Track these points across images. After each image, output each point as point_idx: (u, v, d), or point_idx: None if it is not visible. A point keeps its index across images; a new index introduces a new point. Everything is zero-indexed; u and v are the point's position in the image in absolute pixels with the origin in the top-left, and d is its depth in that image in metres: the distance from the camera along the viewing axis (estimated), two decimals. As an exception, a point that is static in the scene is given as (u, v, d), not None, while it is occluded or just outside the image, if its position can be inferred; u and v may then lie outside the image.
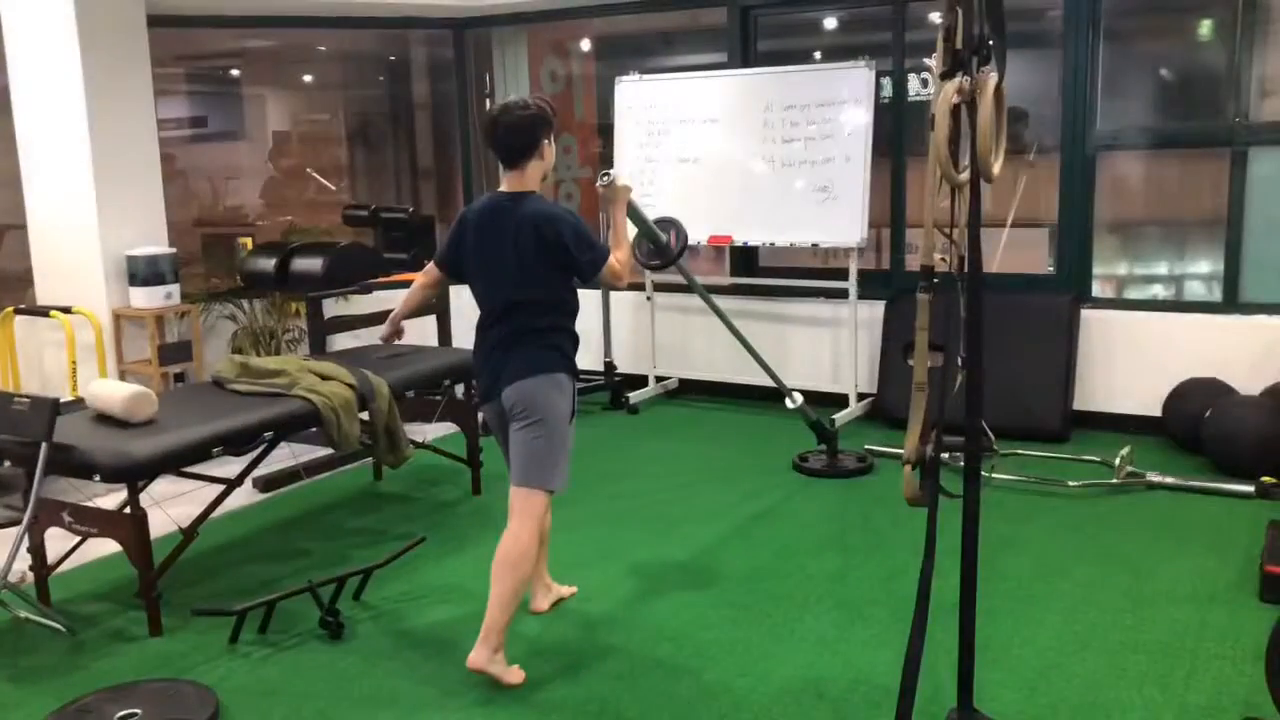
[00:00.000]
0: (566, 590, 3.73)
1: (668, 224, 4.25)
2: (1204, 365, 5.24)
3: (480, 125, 3.15)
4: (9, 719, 3.04)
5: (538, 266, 3.13)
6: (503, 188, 3.22)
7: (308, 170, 7.95)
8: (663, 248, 4.19)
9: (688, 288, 6.63)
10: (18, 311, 5.82)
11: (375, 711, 3.03)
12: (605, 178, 3.37)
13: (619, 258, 3.19)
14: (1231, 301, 5.34)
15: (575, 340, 3.27)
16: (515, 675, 3.14)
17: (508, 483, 3.23)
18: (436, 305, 6.01)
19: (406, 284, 6.11)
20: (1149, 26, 5.78)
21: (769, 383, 5.79)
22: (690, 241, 6.29)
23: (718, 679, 3.14)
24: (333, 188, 7.91)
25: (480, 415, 4.99)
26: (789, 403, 5.06)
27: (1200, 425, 4.94)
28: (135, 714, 2.97)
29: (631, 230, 3.66)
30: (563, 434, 3.20)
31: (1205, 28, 5.58)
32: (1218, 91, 5.46)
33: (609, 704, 3.02)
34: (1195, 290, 5.76)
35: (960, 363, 2.54)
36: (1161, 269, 5.98)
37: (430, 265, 3.44)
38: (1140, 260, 6.01)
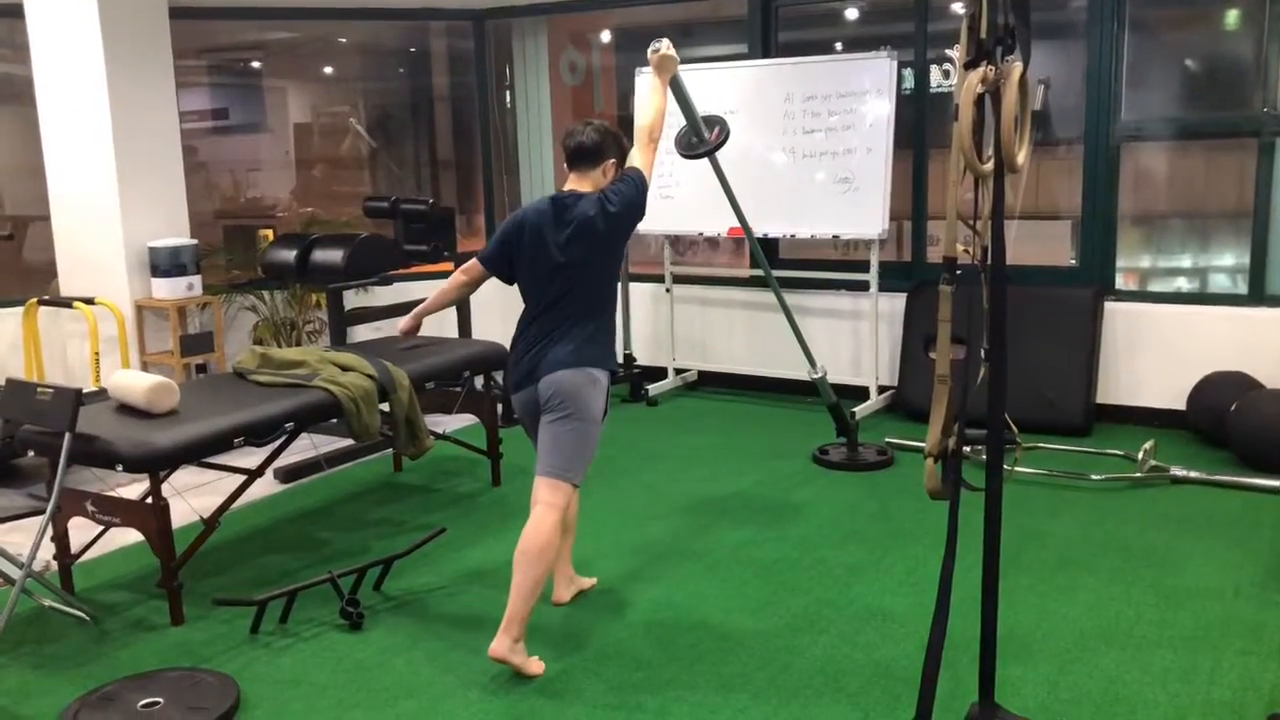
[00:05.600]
0: (588, 582, 3.74)
1: (714, 120, 4.42)
2: (1229, 358, 5.19)
3: (563, 132, 3.35)
4: (33, 706, 3.07)
5: (591, 262, 3.21)
6: (566, 187, 3.32)
7: (351, 121, 7.98)
8: (704, 137, 4.36)
9: (706, 279, 6.66)
10: (41, 303, 5.86)
11: (395, 701, 3.04)
12: (657, 44, 3.59)
13: (641, 145, 3.36)
14: (1257, 294, 5.28)
15: (613, 338, 3.36)
16: (535, 666, 3.14)
17: (528, 474, 3.24)
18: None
19: (426, 275, 6.17)
20: (1174, 16, 5.72)
21: (789, 375, 5.78)
22: (710, 233, 6.32)
23: (738, 671, 3.14)
24: (372, 143, 7.94)
25: (500, 407, 5.03)
26: (810, 374, 5.03)
27: (1225, 419, 4.90)
28: (157, 702, 2.98)
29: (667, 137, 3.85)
30: (593, 429, 3.25)
31: (1232, 17, 5.52)
32: (1244, 81, 5.40)
33: (628, 695, 3.02)
34: (1221, 282, 5.71)
35: (983, 355, 2.52)
36: (1186, 261, 5.92)
37: (472, 263, 3.43)
38: (1165, 252, 5.96)
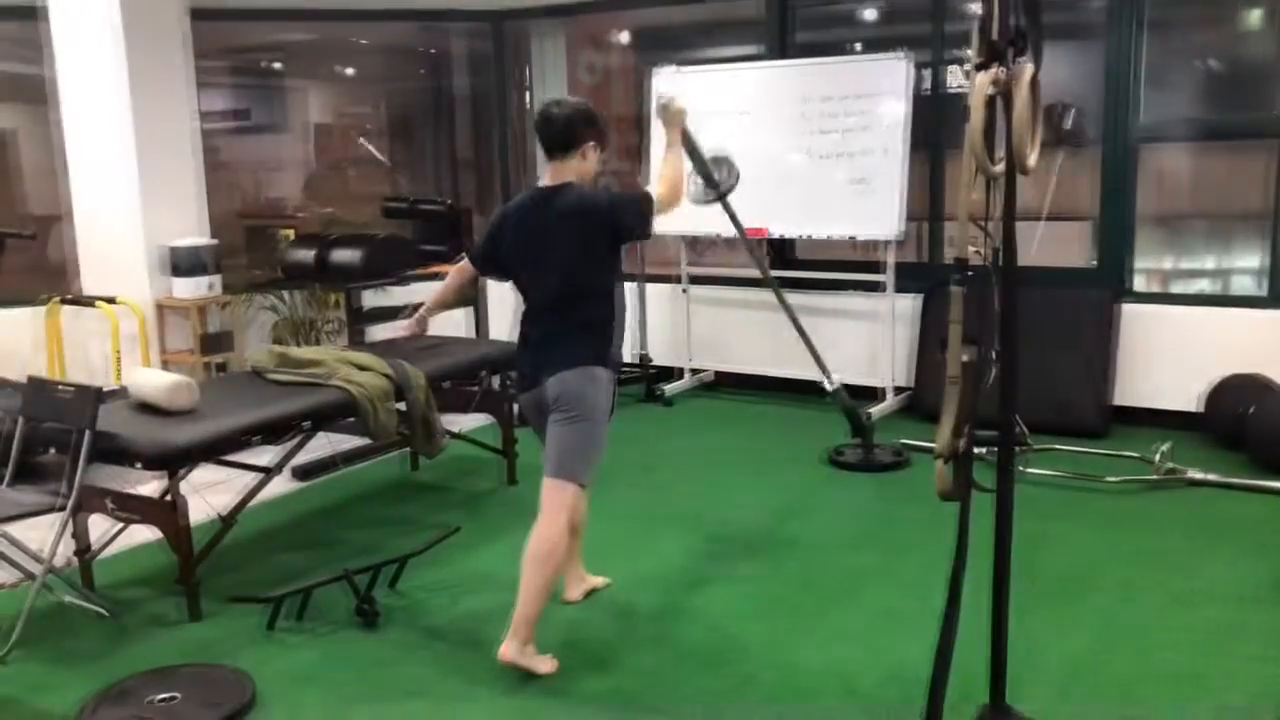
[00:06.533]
0: (599, 581, 3.74)
1: (721, 161, 4.38)
2: (1247, 361, 5.16)
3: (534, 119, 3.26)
4: (52, 700, 3.10)
5: (581, 256, 3.15)
6: (544, 181, 3.24)
7: (360, 140, 8.05)
8: (714, 182, 4.33)
9: (723, 280, 6.66)
10: (63, 301, 5.91)
11: (408, 699, 3.06)
12: (663, 99, 3.47)
13: (659, 190, 3.20)
14: (1276, 296, 5.24)
15: (616, 334, 3.30)
16: (546, 665, 3.15)
17: (541, 474, 3.24)
18: (471, 296, 6.04)
19: (443, 276, 6.19)
20: (1192, 16, 5.69)
21: (804, 375, 5.76)
22: (726, 235, 6.31)
23: (749, 671, 3.15)
24: (383, 159, 7.99)
25: (515, 406, 5.05)
26: (826, 384, 5.03)
27: (1242, 422, 4.87)
28: (174, 697, 3.02)
29: (686, 167, 3.76)
30: (600, 429, 3.21)
31: (1251, 17, 5.48)
32: (1264, 82, 5.37)
33: (639, 695, 3.03)
34: (1239, 285, 5.67)
35: (995, 356, 2.52)
36: (1205, 263, 5.89)
37: (464, 263, 3.42)
38: (1183, 254, 5.93)
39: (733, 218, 4.60)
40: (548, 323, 3.21)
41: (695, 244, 6.84)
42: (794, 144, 5.94)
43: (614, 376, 3.29)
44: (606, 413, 3.23)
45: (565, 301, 3.18)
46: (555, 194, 3.16)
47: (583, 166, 3.19)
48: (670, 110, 3.44)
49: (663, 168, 3.34)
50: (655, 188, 3.24)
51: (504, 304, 6.31)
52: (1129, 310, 5.48)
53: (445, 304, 3.61)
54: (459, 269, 3.45)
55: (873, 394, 5.95)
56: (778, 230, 6.00)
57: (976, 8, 2.42)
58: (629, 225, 3.17)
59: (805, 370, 5.96)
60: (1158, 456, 4.64)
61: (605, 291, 3.23)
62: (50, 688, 3.17)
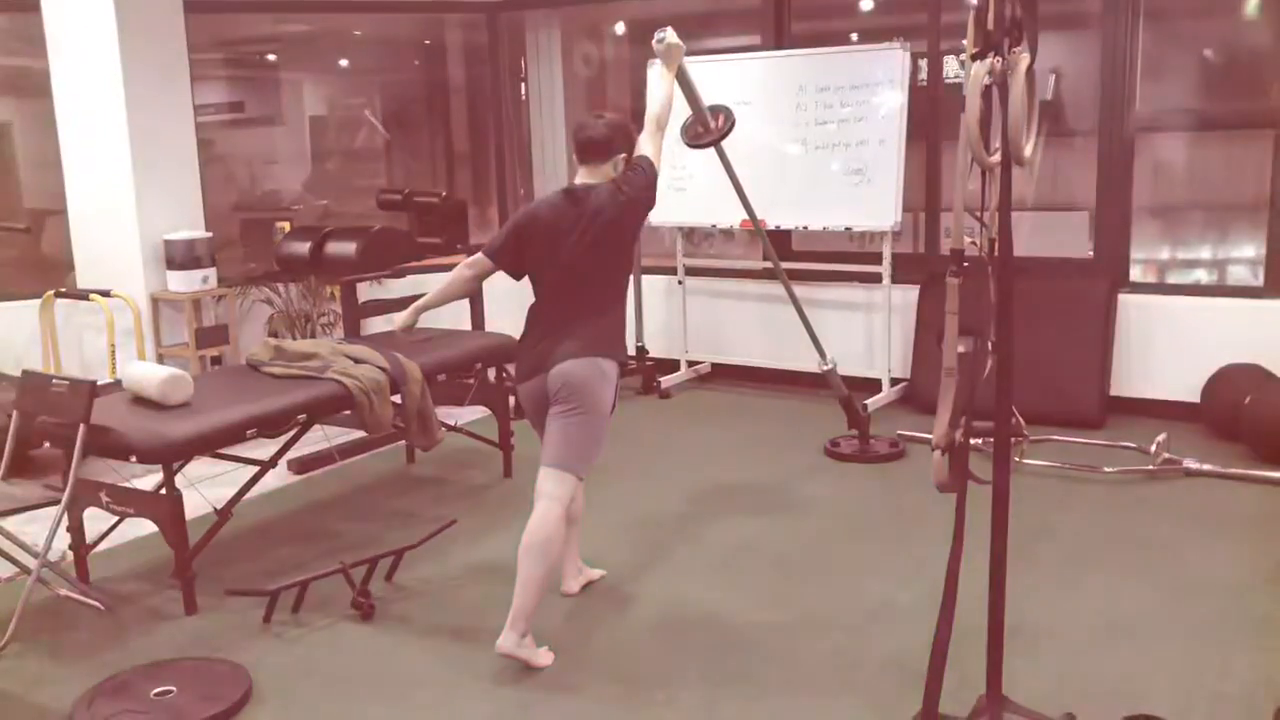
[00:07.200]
0: (596, 573, 3.75)
1: (718, 108, 4.47)
2: (1244, 351, 5.16)
3: (573, 125, 3.37)
4: (49, 693, 3.10)
5: (606, 251, 3.23)
6: (576, 180, 3.31)
7: (365, 112, 8.03)
8: (709, 127, 4.41)
9: (719, 272, 6.65)
10: (58, 295, 5.90)
11: (405, 691, 3.06)
12: (662, 33, 3.63)
13: (654, 142, 3.40)
14: (1273, 286, 5.24)
15: (624, 329, 3.36)
16: (544, 657, 3.16)
17: (538, 466, 3.24)
18: (471, 293, 6.03)
19: (439, 268, 6.17)
20: (1189, 5, 5.67)
21: (801, 368, 5.75)
22: (723, 225, 6.32)
23: (746, 663, 3.15)
24: (386, 134, 7.96)
25: (512, 399, 5.04)
26: (820, 366, 5.02)
27: (1239, 412, 4.87)
28: (171, 691, 3.02)
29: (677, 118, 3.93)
30: (602, 423, 3.24)
31: (1248, 6, 5.47)
32: (1261, 71, 5.36)
33: (636, 686, 3.03)
34: (1237, 275, 5.66)
35: (991, 347, 2.52)
36: (1203, 253, 5.89)
37: (478, 257, 3.36)
38: (1180, 244, 5.93)
39: (726, 165, 4.59)
40: (561, 316, 3.24)
41: (691, 235, 6.84)
42: (790, 135, 5.93)
43: (620, 371, 3.31)
44: (609, 407, 3.25)
45: (582, 297, 3.23)
46: (587, 194, 3.23)
47: (610, 175, 3.29)
48: (666, 44, 3.62)
49: (655, 105, 3.49)
50: (650, 139, 3.40)
51: (501, 298, 6.30)
52: (1126, 301, 5.48)
53: (451, 298, 3.51)
54: (471, 263, 3.38)
55: (870, 385, 5.94)
56: (774, 221, 5.99)
57: (972, -2, 2.41)
58: (648, 208, 3.34)
59: (801, 362, 5.97)
60: (1155, 447, 4.64)
61: (620, 287, 3.33)
62: (46, 682, 3.17)
